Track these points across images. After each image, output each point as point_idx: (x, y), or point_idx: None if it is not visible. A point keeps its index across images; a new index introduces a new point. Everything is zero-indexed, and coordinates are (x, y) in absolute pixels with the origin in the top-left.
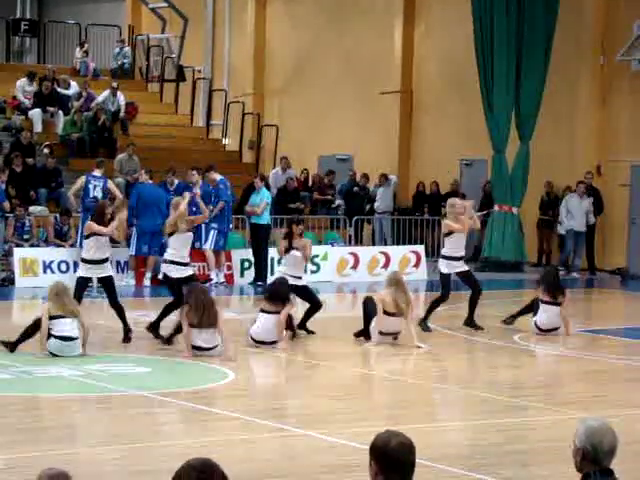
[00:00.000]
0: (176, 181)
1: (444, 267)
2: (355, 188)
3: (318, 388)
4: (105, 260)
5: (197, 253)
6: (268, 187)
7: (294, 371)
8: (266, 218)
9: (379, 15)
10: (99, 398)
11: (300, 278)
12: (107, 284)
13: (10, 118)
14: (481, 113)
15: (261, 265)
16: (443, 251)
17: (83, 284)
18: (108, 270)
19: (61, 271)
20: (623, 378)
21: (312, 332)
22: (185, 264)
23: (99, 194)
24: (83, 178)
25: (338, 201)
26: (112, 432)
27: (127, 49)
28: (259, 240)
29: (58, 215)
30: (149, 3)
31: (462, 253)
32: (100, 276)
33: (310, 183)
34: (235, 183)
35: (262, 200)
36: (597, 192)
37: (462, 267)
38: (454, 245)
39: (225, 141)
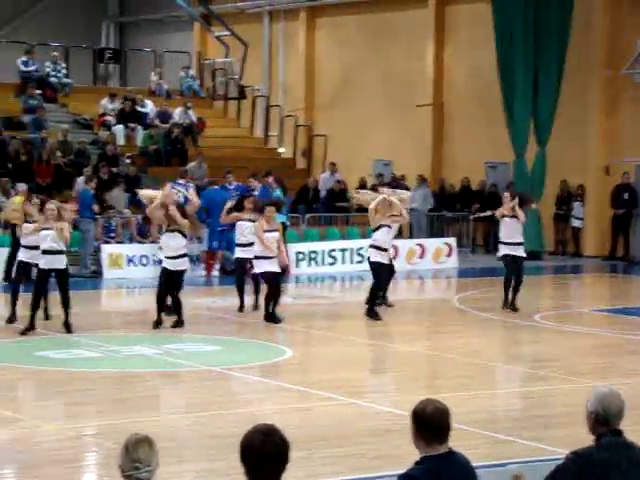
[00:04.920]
0: (234, 183)
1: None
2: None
3: (365, 362)
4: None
5: None
6: (285, 189)
7: (342, 348)
8: (281, 217)
9: (413, 38)
10: (176, 373)
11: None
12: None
13: (97, 133)
14: (503, 122)
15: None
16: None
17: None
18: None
19: (142, 264)
20: (631, 351)
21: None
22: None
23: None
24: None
25: None
26: (188, 402)
27: (191, 72)
28: None
29: (140, 217)
30: (214, 32)
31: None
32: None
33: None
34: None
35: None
36: (632, 188)
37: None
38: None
39: (281, 150)
